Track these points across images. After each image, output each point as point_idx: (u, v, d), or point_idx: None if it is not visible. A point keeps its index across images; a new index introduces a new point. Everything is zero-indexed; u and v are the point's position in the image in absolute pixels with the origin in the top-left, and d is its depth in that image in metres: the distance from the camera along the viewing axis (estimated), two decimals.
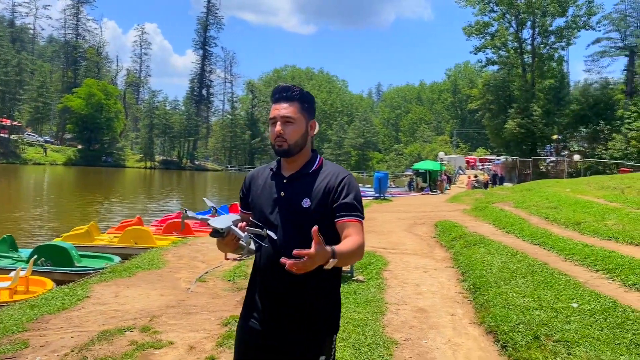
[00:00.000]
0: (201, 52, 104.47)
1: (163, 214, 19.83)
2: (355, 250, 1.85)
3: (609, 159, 46.34)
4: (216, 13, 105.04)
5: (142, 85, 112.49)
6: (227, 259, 9.08)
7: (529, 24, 55.60)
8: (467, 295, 5.91)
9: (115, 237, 12.32)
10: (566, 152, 53.43)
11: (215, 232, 1.85)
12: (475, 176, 36.13)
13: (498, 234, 9.64)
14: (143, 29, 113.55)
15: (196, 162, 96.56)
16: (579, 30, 54.21)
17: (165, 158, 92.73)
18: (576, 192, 14.34)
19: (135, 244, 11.55)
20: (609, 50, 56.79)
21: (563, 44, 55.64)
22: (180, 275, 7.78)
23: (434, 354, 4.18)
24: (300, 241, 1.85)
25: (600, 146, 49.44)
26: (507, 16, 56.07)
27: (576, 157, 45.05)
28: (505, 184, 34.72)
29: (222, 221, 1.86)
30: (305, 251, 1.62)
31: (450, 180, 37.99)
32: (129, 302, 6.10)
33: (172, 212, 21.54)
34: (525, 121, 50.90)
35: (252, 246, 1.98)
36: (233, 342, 4.44)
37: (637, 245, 7.20)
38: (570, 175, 40.34)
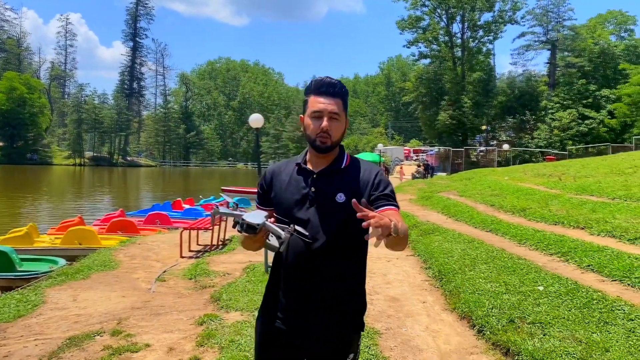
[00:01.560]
0: (131, 44, 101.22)
1: (101, 213, 19.09)
2: (406, 233, 1.79)
3: (535, 148, 48.84)
4: (146, 4, 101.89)
5: (67, 79, 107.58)
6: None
7: (458, 18, 57.43)
8: (434, 282, 6.08)
9: (57, 238, 11.72)
10: (495, 142, 55.87)
11: (249, 229, 1.76)
12: (419, 166, 37.00)
13: (449, 222, 9.95)
14: (67, 18, 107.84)
15: (128, 158, 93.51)
16: (505, 25, 56.52)
17: (95, 154, 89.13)
18: (515, 180, 15.02)
19: (80, 244, 11.04)
20: (533, 44, 59.60)
21: (490, 37, 57.85)
22: (138, 276, 7.54)
23: (416, 341, 4.27)
24: (332, 237, 1.86)
25: (526, 135, 52.02)
26: (438, 11, 57.64)
27: (505, 146, 47.09)
28: (440, 174, 35.82)
29: (256, 217, 1.78)
30: (372, 213, 1.58)
31: (387, 171, 38.75)
32: (90, 305, 5.84)
33: (110, 210, 20.78)
34: (456, 113, 52.64)
35: (275, 243, 1.90)
36: (214, 341, 4.41)
37: (582, 229, 7.64)
38: (499, 164, 42.16)
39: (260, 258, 8.05)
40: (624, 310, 4.18)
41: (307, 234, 1.89)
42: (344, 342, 1.98)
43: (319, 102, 1.93)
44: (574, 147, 46.97)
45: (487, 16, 56.50)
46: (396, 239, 1.67)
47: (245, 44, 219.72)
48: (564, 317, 4.23)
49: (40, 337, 4.74)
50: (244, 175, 72.24)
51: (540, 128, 51.08)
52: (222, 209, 1.92)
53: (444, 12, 57.21)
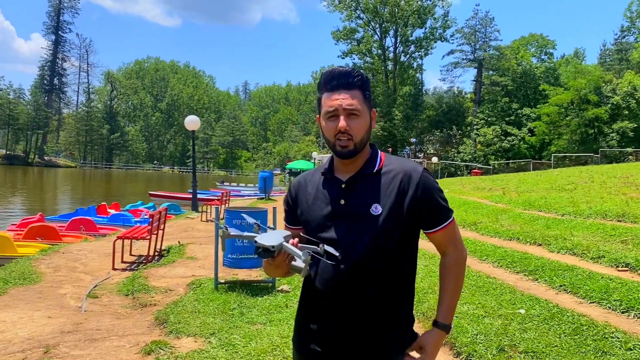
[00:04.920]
0: (53, 37, 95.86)
1: (17, 217, 17.47)
2: (461, 283, 1.79)
3: (460, 162, 50.58)
4: None
5: None
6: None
7: (392, 32, 58.82)
8: None
9: None
10: (422, 154, 57.47)
11: (265, 252, 1.49)
12: None
13: None
14: None
15: (46, 158, 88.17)
16: (435, 42, 58.45)
17: (8, 153, 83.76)
18: (456, 193, 15.07)
19: None
20: (461, 62, 61.82)
21: (421, 53, 59.61)
22: (65, 291, 6.64)
23: None
24: (368, 257, 1.59)
25: (452, 149, 53.84)
26: (372, 24, 58.76)
27: (434, 159, 48.40)
28: None
29: (271, 238, 1.51)
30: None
31: None
32: (9, 328, 4.96)
33: (26, 214, 19.12)
34: (387, 124, 53.73)
35: (302, 265, 1.57)
36: None
37: (539, 245, 7.52)
38: None
39: (205, 272, 7.37)
40: (618, 338, 3.93)
41: (337, 254, 1.56)
42: None
43: (332, 100, 1.64)
44: (496, 162, 49.02)
45: (418, 32, 58.27)
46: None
47: (175, 45, 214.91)
48: (556, 346, 3.92)
49: None
50: (170, 179, 69.97)
51: (466, 143, 53.01)
52: (233, 231, 1.59)
53: (377, 25, 58.37)
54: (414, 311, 1.76)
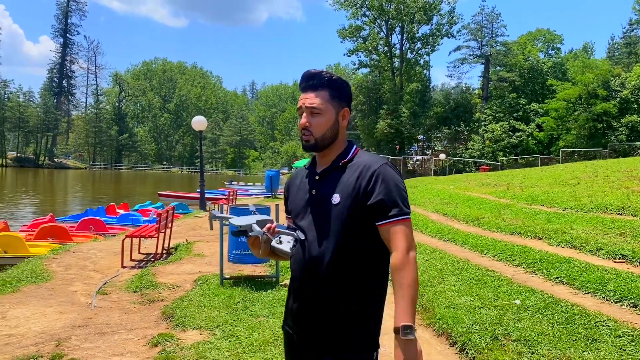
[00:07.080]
0: (61, 40, 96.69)
1: (28, 218, 17.75)
2: (411, 281, 1.62)
3: (468, 158, 50.44)
4: None
5: None
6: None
7: (398, 29, 58.61)
8: None
9: None
10: (430, 151, 57.37)
11: (237, 232, 1.77)
12: None
13: None
14: None
15: (56, 160, 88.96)
16: (441, 38, 58.16)
17: (19, 155, 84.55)
18: (461, 189, 15.16)
19: (5, 252, 10.05)
20: (468, 58, 61.54)
21: (428, 50, 59.38)
22: (75, 288, 6.83)
23: None
24: (328, 244, 1.71)
25: (460, 146, 53.66)
26: (378, 21, 58.63)
27: (442, 156, 48.32)
28: None
29: (243, 219, 1.76)
30: None
31: None
32: (23, 323, 5.16)
33: (37, 214, 19.41)
34: (394, 122, 53.63)
35: (286, 248, 1.76)
36: None
37: (540, 239, 7.62)
38: (435, 173, 43.19)
39: (211, 268, 7.54)
40: (608, 326, 4.04)
41: (303, 239, 1.76)
42: None
43: (300, 99, 1.85)
44: (504, 158, 48.83)
45: (425, 29, 58.03)
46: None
47: (182, 46, 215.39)
48: (549, 334, 4.04)
49: None
50: (179, 179, 70.36)
51: (474, 139, 52.82)
52: (215, 212, 1.91)
53: (383, 22, 58.25)
54: (383, 310, 1.78)
